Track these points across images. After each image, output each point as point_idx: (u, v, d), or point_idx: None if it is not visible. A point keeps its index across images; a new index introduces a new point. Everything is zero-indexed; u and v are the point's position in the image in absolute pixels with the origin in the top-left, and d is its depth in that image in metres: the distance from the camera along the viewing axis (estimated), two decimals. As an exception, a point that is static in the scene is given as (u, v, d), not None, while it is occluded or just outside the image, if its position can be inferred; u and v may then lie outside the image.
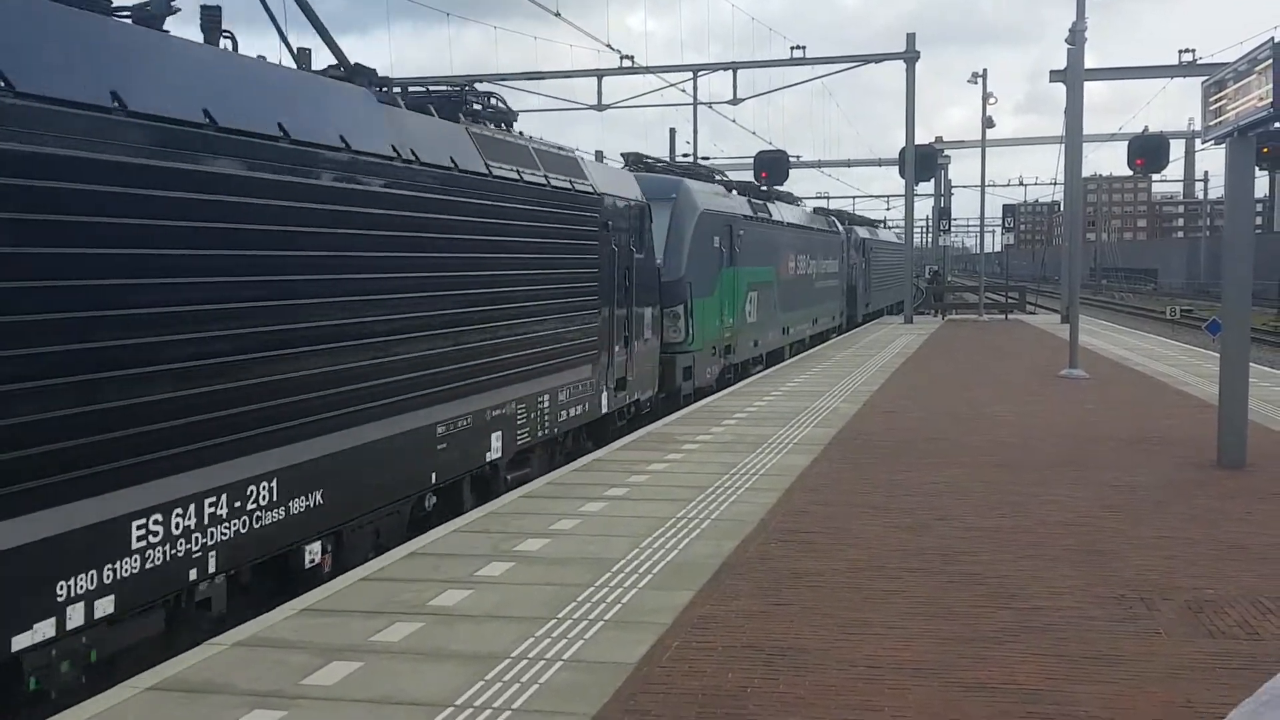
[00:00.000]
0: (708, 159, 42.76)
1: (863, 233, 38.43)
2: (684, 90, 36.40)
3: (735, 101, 35.47)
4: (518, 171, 10.49)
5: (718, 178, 21.49)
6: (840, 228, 33.48)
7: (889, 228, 59.66)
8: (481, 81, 36.60)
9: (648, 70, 34.26)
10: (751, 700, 4.98)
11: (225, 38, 7.27)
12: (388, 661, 5.46)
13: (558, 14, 23.66)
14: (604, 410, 12.93)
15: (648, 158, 18.95)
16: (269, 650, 5.61)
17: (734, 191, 21.62)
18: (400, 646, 5.68)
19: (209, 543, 6.25)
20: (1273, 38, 9.47)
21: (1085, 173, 32.70)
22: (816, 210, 34.22)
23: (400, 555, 7.57)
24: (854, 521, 8.40)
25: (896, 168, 37.81)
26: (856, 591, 6.61)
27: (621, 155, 19.28)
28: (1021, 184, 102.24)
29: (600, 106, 35.92)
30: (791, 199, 29.65)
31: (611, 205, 13.08)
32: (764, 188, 26.39)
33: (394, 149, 8.31)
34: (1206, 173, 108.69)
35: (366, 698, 5.01)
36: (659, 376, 15.34)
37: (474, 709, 4.89)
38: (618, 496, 9.33)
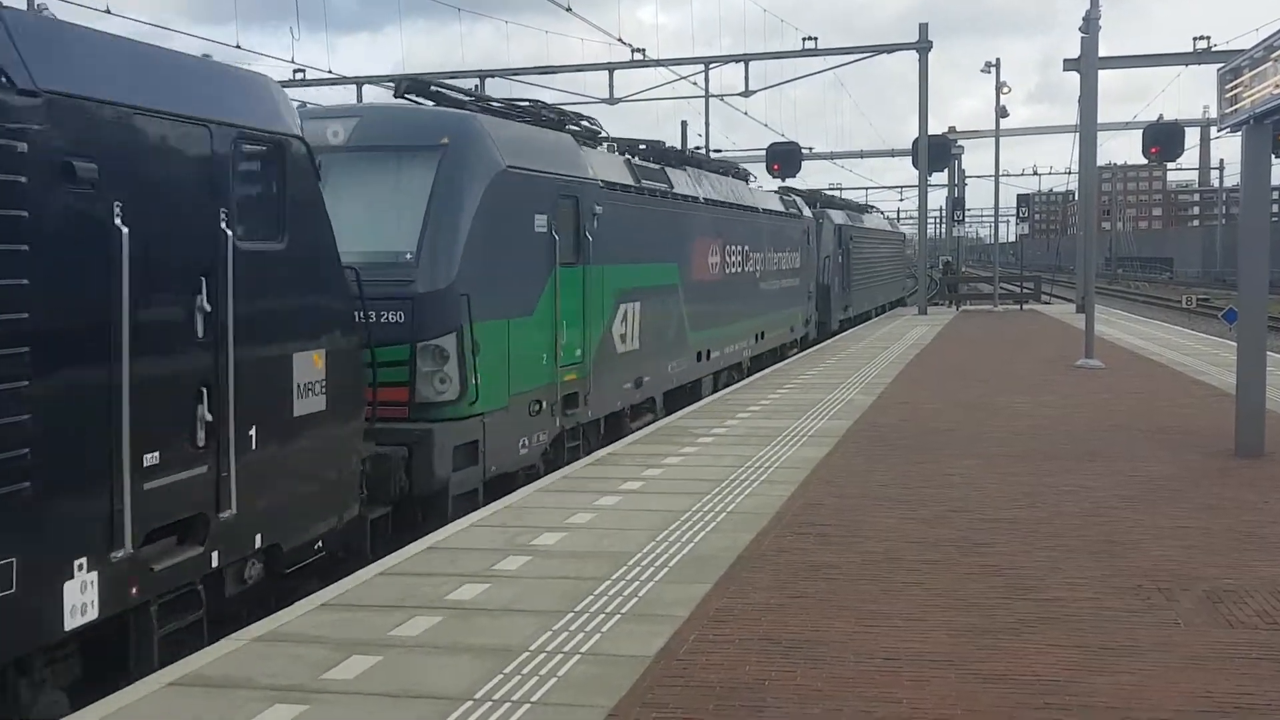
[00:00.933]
0: (719, 151, 42.72)
1: (839, 217, 31.08)
2: (695, 83, 36.36)
3: (747, 93, 35.38)
4: None
5: (588, 128, 13.43)
6: (804, 210, 25.79)
7: (883, 213, 49.47)
8: (494, 76, 36.71)
9: (659, 63, 34.21)
10: (769, 693, 4.99)
11: None
12: (407, 655, 5.49)
13: (569, 9, 23.64)
14: (61, 629, 5.20)
15: (441, 85, 11.39)
16: (288, 645, 5.65)
17: (606, 147, 14.01)
18: (419, 640, 5.71)
19: None
20: (1289, 24, 9.40)
21: (1100, 161, 32.06)
22: (780, 189, 27.16)
23: (417, 550, 7.60)
24: (870, 514, 8.40)
25: (910, 158, 37.67)
26: (873, 583, 6.61)
27: (397, 80, 12.64)
28: (1035, 173, 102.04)
29: (612, 100, 35.85)
30: (730, 170, 20.83)
31: (118, 134, 5.66)
32: (675, 146, 18.20)
33: None
34: (1222, 160, 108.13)
35: (386, 691, 5.04)
36: (382, 477, 8.39)
37: (493, 702, 4.92)
38: (633, 490, 9.34)
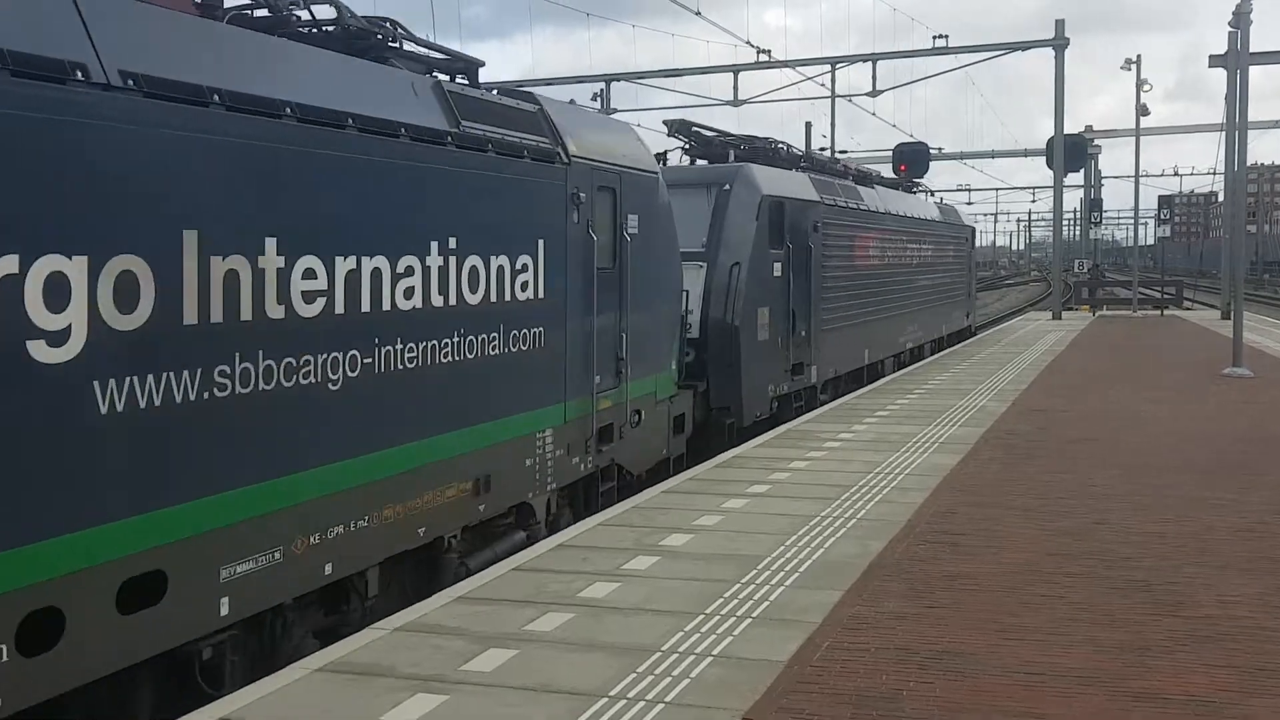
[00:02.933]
0: (844, 152, 42.23)
1: (773, 182, 14.47)
2: (822, 84, 36.01)
3: (874, 93, 34.86)
4: None
5: None
6: (566, 142, 8.86)
7: (926, 190, 27.26)
8: (618, 80, 36.97)
9: (785, 64, 33.98)
10: (907, 703, 4.90)
11: None
12: (541, 650, 5.57)
13: (698, 13, 23.68)
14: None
15: None
16: (428, 636, 5.79)
17: None
18: (553, 636, 5.79)
19: None
20: None
21: (1247, 161, 30.12)
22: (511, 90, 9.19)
23: (549, 547, 7.70)
24: (1007, 524, 8.18)
25: (1044, 158, 36.57)
26: (1012, 595, 6.44)
27: None
28: (1176, 174, 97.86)
29: (736, 102, 35.74)
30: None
31: None
32: None
33: None
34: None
35: (523, 685, 5.12)
36: None
37: (627, 700, 4.95)
38: (760, 493, 9.29)
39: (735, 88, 35.71)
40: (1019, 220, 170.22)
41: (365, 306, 6.46)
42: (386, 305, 6.64)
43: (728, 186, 13.68)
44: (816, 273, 15.53)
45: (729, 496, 9.15)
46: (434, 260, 7.12)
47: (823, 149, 40.86)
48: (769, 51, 32.75)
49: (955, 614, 6.10)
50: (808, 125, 48.28)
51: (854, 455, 11.04)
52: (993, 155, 56.66)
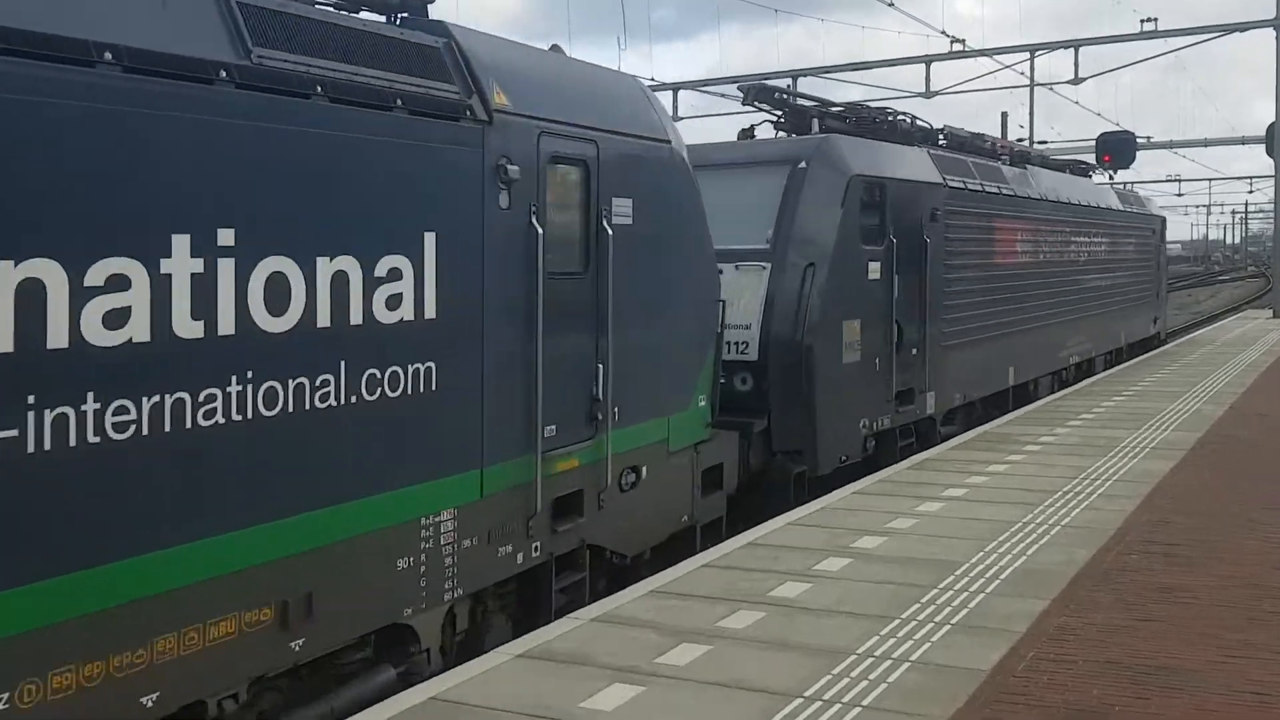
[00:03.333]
0: (1044, 143, 40.62)
1: (874, 159, 11.37)
2: (1020, 73, 34.69)
3: (1076, 81, 33.32)
4: None
5: None
6: (484, 106, 6.16)
7: (1104, 173, 24.80)
8: (805, 75, 36.65)
9: (980, 53, 32.92)
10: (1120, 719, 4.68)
11: None
12: (734, 647, 5.59)
13: (891, 3, 23.21)
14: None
15: None
16: (623, 627, 5.89)
17: None
18: (745, 634, 5.79)
19: None
20: None
21: None
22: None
23: (739, 544, 7.71)
24: (1227, 535, 7.68)
25: (1262, 146, 34.14)
26: (1235, 610, 6.05)
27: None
28: None
29: (928, 93, 34.84)
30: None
31: None
32: None
33: None
34: None
35: (718, 681, 5.14)
36: None
37: (823, 702, 4.91)
38: (956, 497, 9.04)
39: (927, 79, 34.85)
40: (1233, 212, 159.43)
41: (4, 344, 3.89)
42: (61, 340, 4.04)
43: (803, 164, 10.53)
44: (934, 273, 12.14)
45: (923, 500, 8.94)
46: (181, 265, 4.46)
47: (1021, 139, 39.34)
48: (963, 41, 31.81)
49: (1171, 627, 5.78)
50: (1004, 115, 46.61)
51: (1056, 459, 10.59)
52: (1205, 144, 53.16)
